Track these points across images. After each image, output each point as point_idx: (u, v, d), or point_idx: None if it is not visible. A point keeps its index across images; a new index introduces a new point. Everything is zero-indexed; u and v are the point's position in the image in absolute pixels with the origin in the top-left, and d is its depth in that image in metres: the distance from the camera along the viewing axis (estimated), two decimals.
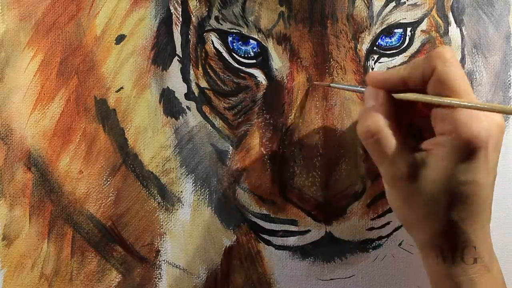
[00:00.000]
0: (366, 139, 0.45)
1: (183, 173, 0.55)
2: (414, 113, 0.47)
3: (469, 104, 0.41)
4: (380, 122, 0.44)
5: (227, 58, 0.54)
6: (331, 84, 0.52)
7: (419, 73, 0.44)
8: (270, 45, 0.53)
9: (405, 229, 0.47)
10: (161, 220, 0.55)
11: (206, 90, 0.55)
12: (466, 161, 0.42)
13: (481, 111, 0.42)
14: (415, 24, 0.55)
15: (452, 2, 0.56)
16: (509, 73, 0.57)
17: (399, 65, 0.54)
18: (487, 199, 0.44)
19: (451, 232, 0.43)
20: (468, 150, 0.41)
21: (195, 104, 0.55)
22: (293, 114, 0.54)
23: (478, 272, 0.43)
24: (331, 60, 0.53)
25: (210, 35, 0.54)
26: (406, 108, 0.47)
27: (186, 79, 0.55)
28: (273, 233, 0.55)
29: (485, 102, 0.44)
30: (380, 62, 0.54)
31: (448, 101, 0.42)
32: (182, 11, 0.54)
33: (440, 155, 0.42)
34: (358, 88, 0.50)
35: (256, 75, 0.54)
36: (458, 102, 0.42)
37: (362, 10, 0.53)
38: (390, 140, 0.44)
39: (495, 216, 0.56)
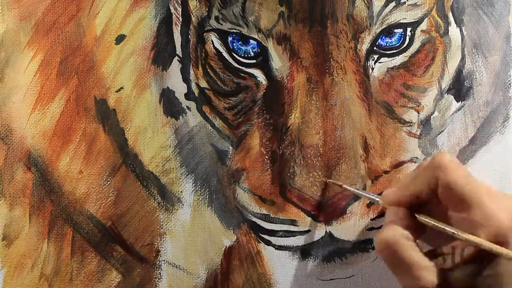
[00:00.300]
0: (384, 251, 0.44)
1: (183, 173, 0.55)
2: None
3: (485, 244, 0.40)
4: (397, 233, 0.44)
5: (227, 58, 0.54)
6: (343, 185, 0.53)
7: (426, 187, 0.44)
8: (270, 45, 0.53)
9: None
10: (161, 220, 0.55)
11: (206, 90, 0.55)
12: (488, 260, 0.41)
13: (499, 207, 0.41)
14: (415, 24, 0.54)
15: (452, 2, 0.56)
16: (509, 73, 0.57)
17: (399, 65, 0.54)
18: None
19: None
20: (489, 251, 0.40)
21: (195, 104, 0.55)
22: (293, 114, 0.54)
23: None
24: (331, 60, 0.53)
25: (210, 35, 0.54)
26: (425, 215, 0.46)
27: (186, 79, 0.55)
28: (273, 233, 0.55)
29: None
30: (380, 62, 0.54)
31: (464, 236, 0.41)
32: (182, 11, 0.54)
33: (462, 258, 0.42)
34: (373, 197, 0.50)
35: (256, 75, 0.54)
36: (473, 239, 0.40)
37: (362, 10, 0.53)
38: (409, 250, 0.43)
39: None
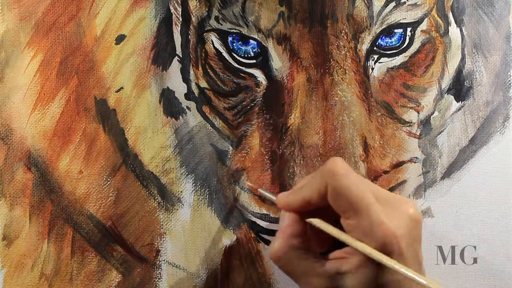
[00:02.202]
0: (275, 262, 0.45)
1: (183, 173, 0.55)
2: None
3: (367, 251, 0.39)
4: (284, 244, 0.44)
5: (227, 58, 0.54)
6: (259, 189, 0.53)
7: (316, 193, 0.43)
8: (270, 45, 0.53)
9: None
10: (161, 220, 0.55)
11: (206, 90, 0.55)
12: (380, 267, 0.40)
13: (388, 214, 0.40)
14: (415, 24, 0.54)
15: (452, 2, 0.56)
16: (509, 73, 0.57)
17: (399, 65, 0.55)
18: None
19: None
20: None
21: (195, 104, 0.55)
22: (293, 114, 0.54)
23: None
24: (331, 60, 0.53)
25: (210, 35, 0.54)
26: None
27: (186, 79, 0.55)
28: (273, 233, 0.55)
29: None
30: (380, 62, 0.54)
31: (347, 239, 0.41)
32: (182, 11, 0.54)
33: (355, 262, 0.41)
34: (272, 197, 0.49)
35: (256, 75, 0.54)
36: (358, 245, 0.40)
37: (362, 10, 0.53)
38: (298, 260, 0.43)
39: (495, 216, 0.56)
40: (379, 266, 0.40)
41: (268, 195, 0.51)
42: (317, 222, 0.44)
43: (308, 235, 0.45)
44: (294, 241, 0.44)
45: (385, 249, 0.40)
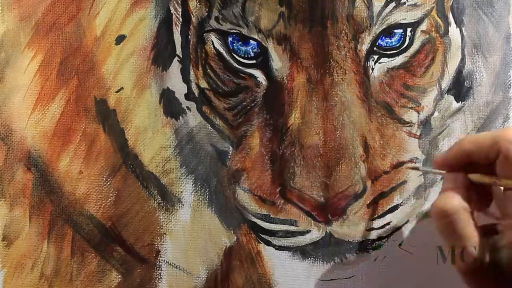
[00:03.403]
0: (439, 219, 0.43)
1: (183, 174, 0.55)
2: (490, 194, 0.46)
3: None
4: (456, 204, 0.43)
5: (227, 59, 0.54)
6: (420, 168, 0.54)
7: (483, 153, 0.43)
8: (270, 46, 0.53)
9: None
10: (161, 221, 0.55)
11: (206, 91, 0.55)
12: None
13: None
14: (415, 25, 0.54)
15: (452, 3, 0.56)
16: (509, 73, 0.57)
17: (399, 65, 0.54)
18: None
19: None
20: None
21: (195, 105, 0.55)
22: (293, 115, 0.54)
23: None
24: (331, 60, 0.53)
25: (210, 36, 0.54)
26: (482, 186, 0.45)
27: (186, 79, 0.55)
28: (273, 233, 0.55)
29: None
30: (380, 63, 0.54)
31: None
32: (182, 11, 0.54)
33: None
34: (440, 171, 0.48)
35: (256, 75, 0.54)
36: None
37: (362, 10, 0.53)
38: (464, 223, 0.42)
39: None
40: None
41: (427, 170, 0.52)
42: (478, 177, 0.43)
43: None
44: (465, 204, 0.43)
45: None
